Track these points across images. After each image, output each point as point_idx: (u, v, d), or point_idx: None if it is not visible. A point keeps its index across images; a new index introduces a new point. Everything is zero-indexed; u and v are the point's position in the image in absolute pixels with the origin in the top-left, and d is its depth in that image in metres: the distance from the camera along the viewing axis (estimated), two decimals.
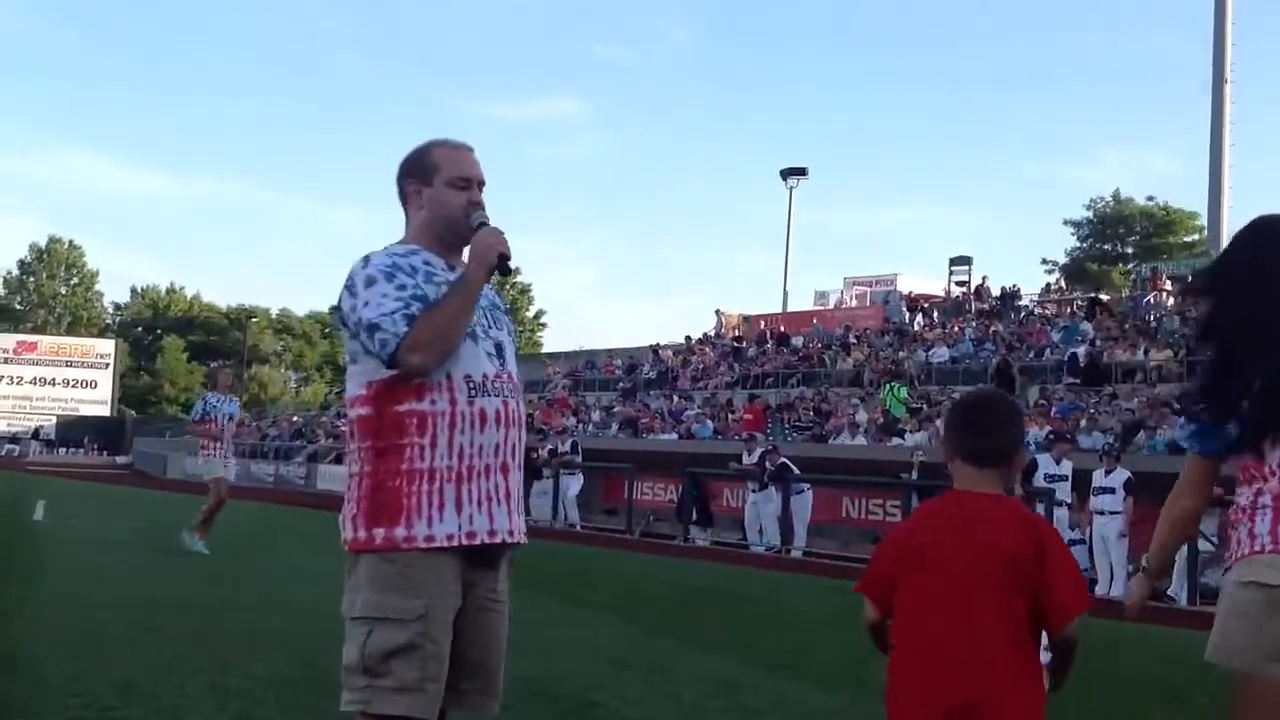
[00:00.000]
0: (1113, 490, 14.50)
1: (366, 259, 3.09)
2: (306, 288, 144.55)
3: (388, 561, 2.96)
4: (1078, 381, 22.98)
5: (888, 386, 25.34)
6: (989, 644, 2.71)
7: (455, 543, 2.99)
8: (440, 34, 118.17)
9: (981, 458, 2.90)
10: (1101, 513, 14.63)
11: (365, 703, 2.94)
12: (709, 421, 26.70)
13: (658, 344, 39.34)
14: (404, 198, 3.25)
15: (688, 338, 39.23)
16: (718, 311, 41.84)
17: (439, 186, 3.18)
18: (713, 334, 39.42)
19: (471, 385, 3.05)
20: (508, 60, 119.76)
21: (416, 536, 2.95)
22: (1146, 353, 23.07)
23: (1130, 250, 61.16)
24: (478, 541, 3.03)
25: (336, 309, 3.10)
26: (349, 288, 3.05)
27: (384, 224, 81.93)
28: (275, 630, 7.84)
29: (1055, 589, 2.74)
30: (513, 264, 3.18)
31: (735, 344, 36.84)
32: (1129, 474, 14.59)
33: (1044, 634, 2.80)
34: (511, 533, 3.11)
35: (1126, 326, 25.30)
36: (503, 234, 3.12)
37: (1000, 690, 2.70)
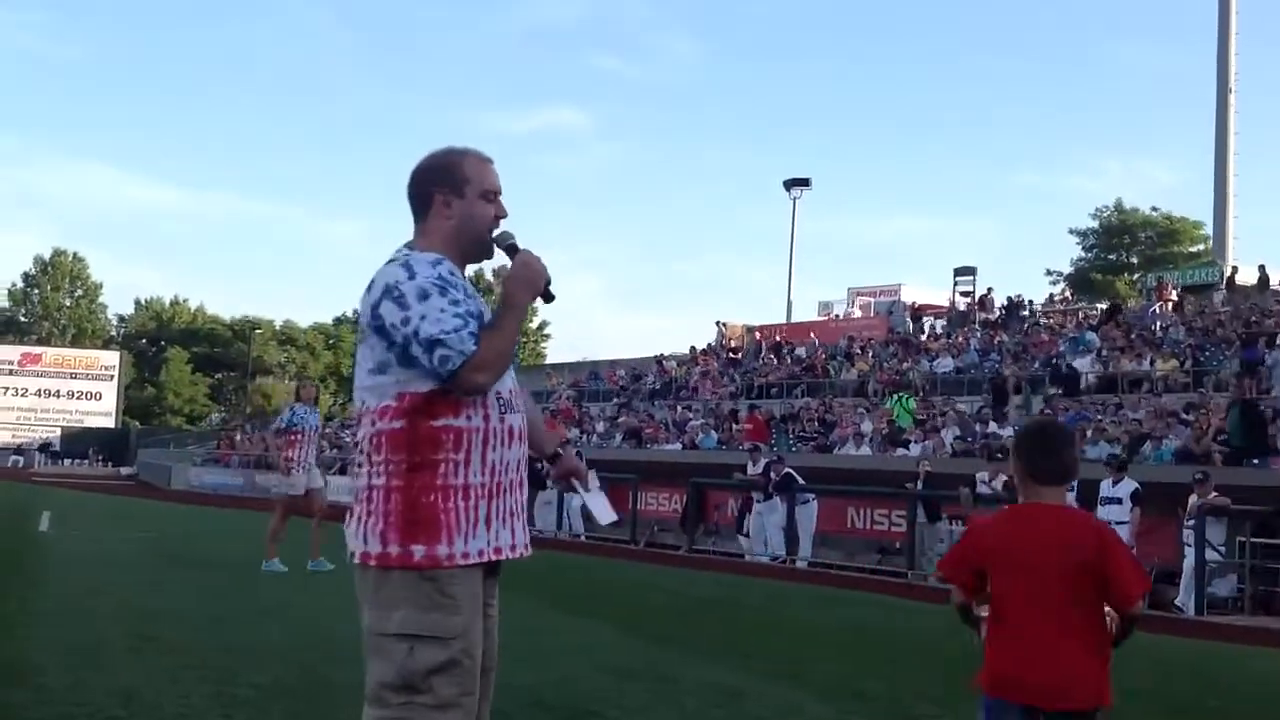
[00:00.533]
0: (1119, 500, 14.43)
1: (410, 269, 3.00)
2: (310, 299, 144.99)
3: (428, 579, 2.94)
4: (1058, 392, 22.92)
5: (895, 397, 25.30)
6: (1069, 629, 3.32)
7: (485, 558, 3.02)
8: (442, 48, 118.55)
9: (1048, 476, 3.50)
10: (1108, 523, 14.55)
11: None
12: (713, 432, 26.67)
13: (662, 355, 39.34)
14: (425, 205, 3.17)
15: (692, 348, 39.22)
16: (718, 323, 41.85)
17: (471, 199, 3.14)
18: (715, 346, 39.40)
19: (501, 402, 3.07)
20: (510, 73, 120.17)
21: (456, 554, 2.95)
22: (1153, 363, 23.03)
23: (1135, 260, 61.15)
24: (503, 556, 3.07)
25: (376, 317, 2.99)
26: (396, 299, 2.95)
27: (386, 235, 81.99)
28: (277, 641, 7.83)
29: (1120, 578, 3.34)
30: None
31: (731, 355, 36.83)
32: (1136, 484, 14.53)
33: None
34: (528, 546, 3.17)
35: (1133, 337, 25.26)
36: (541, 259, 3.13)
37: (1077, 665, 3.31)
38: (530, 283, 3.08)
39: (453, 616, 2.93)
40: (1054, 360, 25.12)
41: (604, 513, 3.64)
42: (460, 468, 2.98)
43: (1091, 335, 26.04)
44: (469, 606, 2.97)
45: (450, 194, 3.14)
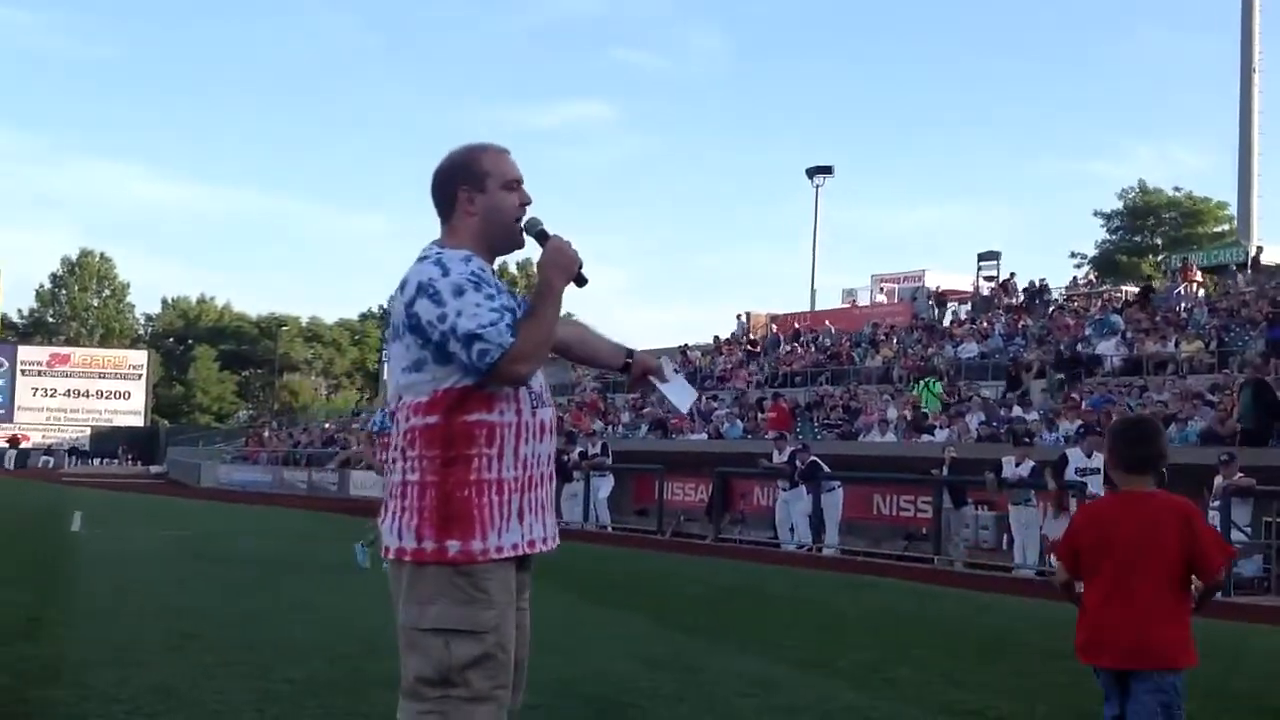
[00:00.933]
0: (1098, 470, 14.39)
1: (443, 266, 3.02)
2: (335, 296, 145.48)
3: (463, 574, 2.97)
4: (1062, 377, 22.87)
5: (922, 382, 25.24)
6: (1159, 599, 3.81)
7: (519, 551, 3.05)
8: (465, 43, 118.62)
9: (1139, 465, 4.02)
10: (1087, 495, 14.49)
11: (441, 714, 2.95)
12: (739, 421, 26.69)
13: (686, 345, 39.36)
14: (450, 203, 3.19)
15: (716, 338, 39.25)
16: (739, 315, 41.83)
17: (493, 191, 3.16)
18: (740, 336, 39.39)
19: (533, 396, 3.10)
20: (533, 67, 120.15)
21: (490, 548, 2.99)
22: (1177, 344, 22.93)
23: (1160, 241, 60.80)
24: (536, 550, 3.11)
25: (411, 315, 3.01)
26: (431, 296, 2.98)
27: (411, 231, 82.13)
28: (312, 636, 7.93)
29: (1205, 553, 3.87)
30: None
31: (749, 347, 36.82)
32: None
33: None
34: (556, 537, 3.21)
35: (1157, 319, 25.15)
36: (572, 244, 3.14)
37: (1166, 631, 3.80)
38: (564, 268, 3.09)
39: (486, 611, 2.97)
40: (1078, 344, 25.06)
41: (685, 398, 3.63)
42: (494, 462, 3.01)
43: (1116, 318, 25.94)
44: (502, 600, 3.01)
45: (472, 190, 3.16)
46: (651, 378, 3.52)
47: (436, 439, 3.01)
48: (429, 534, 2.98)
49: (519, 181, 3.21)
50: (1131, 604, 3.81)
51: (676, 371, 3.63)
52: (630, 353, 3.53)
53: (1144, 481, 4.00)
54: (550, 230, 3.19)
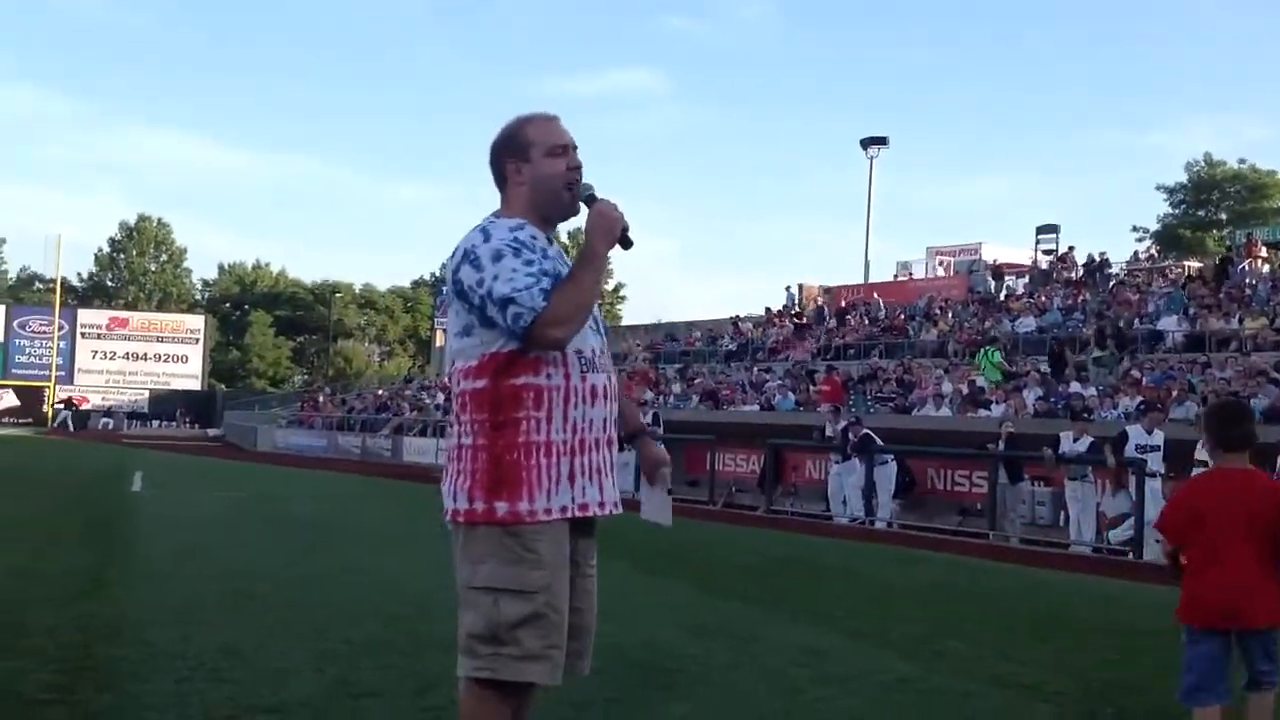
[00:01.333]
0: (1158, 448, 14.24)
1: (486, 233, 3.10)
2: (388, 263, 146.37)
3: (511, 534, 3.02)
4: (1109, 352, 22.58)
5: (982, 351, 24.94)
6: (1249, 569, 4.20)
7: (570, 514, 3.08)
8: (513, 10, 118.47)
9: (1235, 444, 4.39)
10: (1152, 474, 14.32)
11: (493, 670, 3.00)
12: (790, 394, 26.63)
13: (737, 316, 39.28)
14: (502, 176, 3.26)
15: (767, 309, 39.12)
16: (788, 288, 41.63)
17: (538, 160, 3.20)
18: (790, 308, 39.23)
19: (583, 361, 3.12)
20: (582, 35, 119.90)
21: (538, 510, 3.02)
22: (1241, 321, 22.59)
23: (1224, 216, 59.79)
24: (590, 513, 3.12)
25: (456, 281, 3.09)
26: (472, 262, 3.05)
27: (463, 198, 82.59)
28: (368, 598, 8.02)
29: None
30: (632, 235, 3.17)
31: (795, 319, 36.68)
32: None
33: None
34: (617, 504, 3.21)
35: (1221, 295, 24.78)
36: (619, 206, 3.15)
37: (1255, 599, 4.20)
38: (606, 231, 3.11)
39: (535, 571, 3.00)
40: (1138, 319, 24.76)
41: (657, 516, 3.61)
42: (542, 424, 3.05)
43: (1179, 294, 25.60)
44: (553, 561, 3.04)
45: (519, 160, 3.22)
46: (655, 471, 3.51)
47: (485, 403, 3.07)
48: (479, 495, 3.05)
49: (565, 147, 3.22)
50: (1233, 570, 4.19)
51: (669, 492, 3.61)
52: (649, 431, 3.53)
53: (1241, 459, 4.38)
54: (600, 195, 3.20)
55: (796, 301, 40.10)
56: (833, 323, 34.57)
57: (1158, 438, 14.92)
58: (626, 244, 3.15)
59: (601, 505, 3.16)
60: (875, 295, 36.40)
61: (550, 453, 3.05)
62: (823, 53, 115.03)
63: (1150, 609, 9.65)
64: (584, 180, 3.21)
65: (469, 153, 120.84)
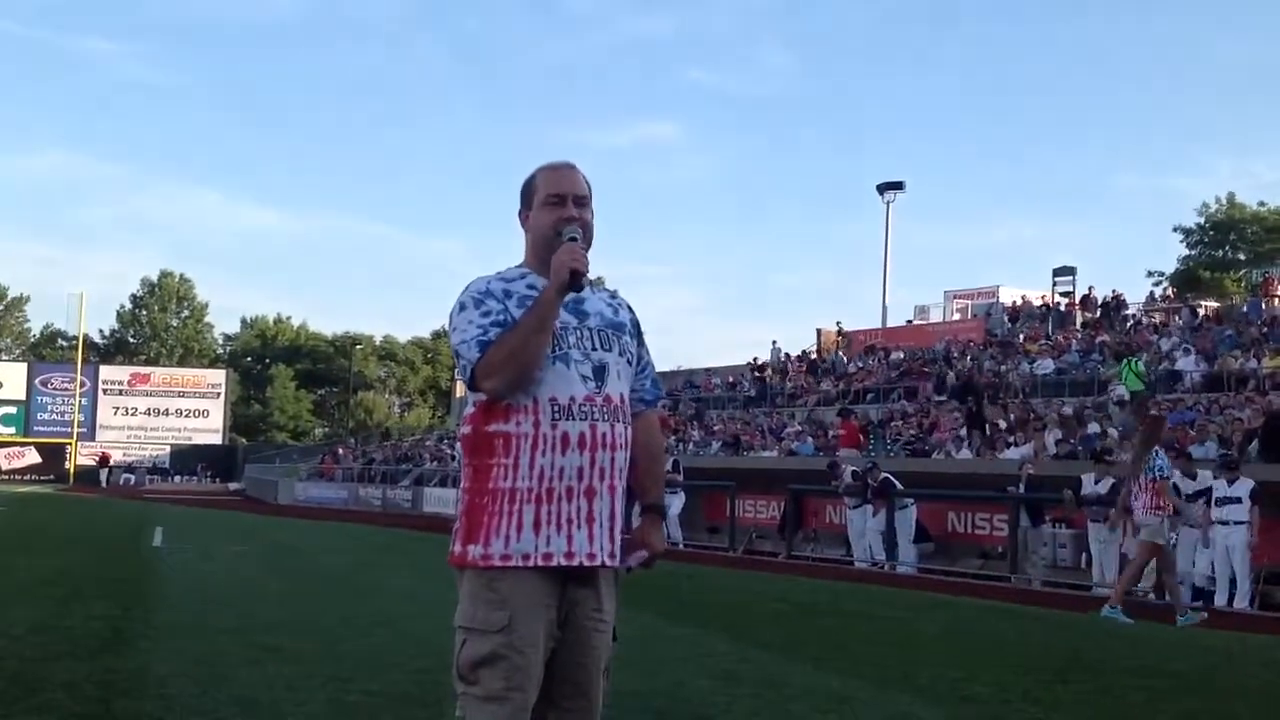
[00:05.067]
0: (1239, 500, 14.06)
1: (467, 287, 3.18)
2: (408, 315, 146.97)
3: (479, 576, 3.06)
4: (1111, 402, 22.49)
5: (1125, 361, 24.48)
6: None
7: (531, 563, 3.03)
8: (534, 66, 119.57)
9: None
10: (1226, 523, 14.17)
11: (462, 709, 3.07)
12: (809, 439, 26.57)
13: (754, 359, 39.27)
14: (521, 224, 3.32)
15: (786, 355, 39.12)
16: (818, 330, 41.67)
17: (537, 208, 3.23)
18: (812, 353, 39.24)
19: (556, 408, 3.06)
20: (603, 88, 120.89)
21: (493, 555, 3.03)
22: (1259, 360, 22.50)
23: (1242, 257, 59.66)
24: (554, 563, 3.05)
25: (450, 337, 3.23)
26: (450, 316, 3.18)
27: (483, 252, 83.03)
28: (389, 649, 8.00)
29: None
30: (591, 278, 3.14)
31: (811, 361, 36.70)
32: (1254, 483, 14.15)
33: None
34: (593, 555, 3.08)
35: (1242, 335, 24.69)
36: (579, 248, 3.10)
37: None
38: (554, 274, 3.06)
39: (496, 611, 3.00)
40: (1162, 361, 24.68)
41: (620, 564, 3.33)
42: (509, 471, 3.05)
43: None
44: (518, 603, 3.00)
45: (526, 209, 3.27)
46: (636, 551, 3.35)
47: (468, 448, 3.15)
48: (459, 538, 3.11)
49: (563, 197, 3.20)
50: None
51: (629, 570, 3.35)
52: (655, 509, 3.40)
53: None
54: (583, 237, 3.17)
55: (820, 346, 40.08)
56: (851, 367, 34.53)
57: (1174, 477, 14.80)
58: (578, 287, 3.10)
59: (569, 555, 3.05)
60: (880, 342, 36.37)
61: (513, 499, 3.04)
62: (839, 101, 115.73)
63: (1175, 650, 9.57)
64: (575, 228, 3.17)
65: (490, 206, 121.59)
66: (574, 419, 3.08)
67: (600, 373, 3.15)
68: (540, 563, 3.04)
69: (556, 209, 3.20)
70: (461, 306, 3.11)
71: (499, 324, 3.06)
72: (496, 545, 3.03)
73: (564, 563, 3.06)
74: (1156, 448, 12.30)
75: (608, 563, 3.14)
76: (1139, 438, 13.15)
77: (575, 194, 3.22)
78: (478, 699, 3.00)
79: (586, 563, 3.09)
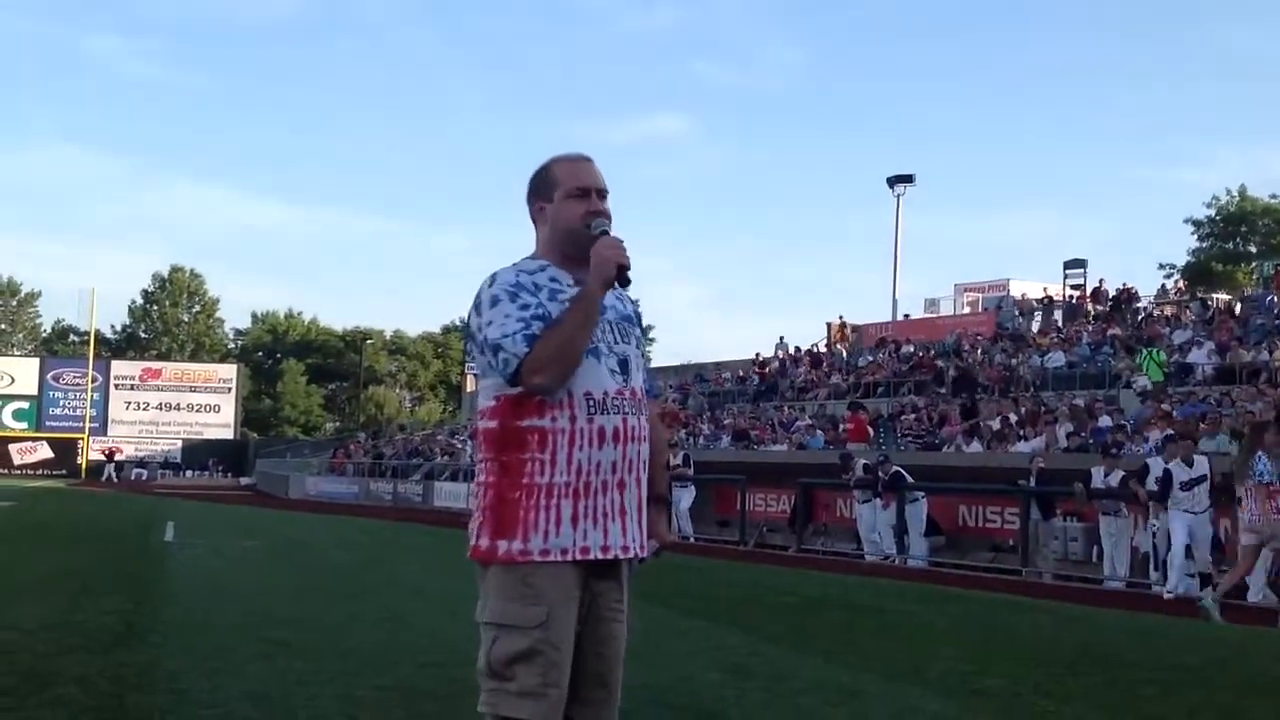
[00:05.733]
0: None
1: (493, 278, 3.12)
2: (418, 310, 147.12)
3: (511, 571, 3.03)
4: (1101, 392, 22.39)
5: (1146, 352, 24.44)
6: None
7: (570, 557, 3.04)
8: (542, 60, 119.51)
9: None
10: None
11: (493, 706, 3.02)
12: (819, 433, 26.54)
13: (758, 354, 39.23)
14: (532, 216, 3.28)
15: (796, 349, 39.08)
16: (829, 324, 41.63)
17: (559, 201, 3.20)
18: (823, 347, 39.20)
19: (591, 403, 3.08)
20: (610, 82, 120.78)
21: (532, 550, 3.02)
22: (1271, 352, 22.42)
23: (1254, 249, 59.40)
24: (591, 557, 3.08)
25: (466, 327, 3.17)
26: (475, 306, 3.10)
27: (492, 246, 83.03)
28: (400, 644, 8.02)
29: None
30: (632, 274, 3.13)
31: (813, 355, 36.66)
32: None
33: None
34: (626, 548, 3.14)
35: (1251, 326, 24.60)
36: (622, 243, 3.11)
37: None
38: (599, 269, 3.06)
39: (532, 607, 2.99)
40: (1174, 354, 24.61)
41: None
42: (545, 467, 3.04)
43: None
44: (553, 599, 3.01)
45: (543, 201, 3.23)
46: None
47: (494, 443, 3.10)
48: (486, 533, 3.08)
49: (586, 189, 3.20)
50: None
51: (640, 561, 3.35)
52: (663, 500, 3.43)
53: None
54: (612, 231, 3.16)
55: (831, 338, 40.04)
56: (861, 360, 34.47)
57: (1182, 471, 14.77)
58: (625, 282, 3.11)
59: (605, 549, 3.09)
60: (887, 336, 36.31)
61: (551, 494, 3.04)
62: (849, 92, 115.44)
63: (1186, 644, 9.55)
64: (598, 220, 3.18)
65: (499, 200, 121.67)
66: (608, 413, 3.11)
67: (624, 366, 3.19)
68: (579, 556, 3.06)
69: (583, 201, 3.19)
70: (495, 300, 3.06)
71: (539, 318, 3.04)
72: (536, 541, 3.02)
73: (600, 556, 3.09)
74: (1260, 452, 12.20)
75: (638, 554, 3.18)
76: (1243, 444, 13.18)
77: (599, 187, 3.22)
78: (513, 695, 2.98)
79: (620, 555, 3.14)
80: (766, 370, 36.90)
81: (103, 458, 61.67)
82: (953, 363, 29.82)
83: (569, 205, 3.19)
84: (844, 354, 36.39)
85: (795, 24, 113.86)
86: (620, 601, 3.21)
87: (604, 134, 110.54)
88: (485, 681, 3.05)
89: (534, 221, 3.28)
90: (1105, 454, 16.55)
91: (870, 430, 25.09)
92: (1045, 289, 38.00)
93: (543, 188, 3.24)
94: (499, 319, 3.03)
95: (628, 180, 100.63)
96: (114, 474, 59.27)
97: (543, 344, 2.99)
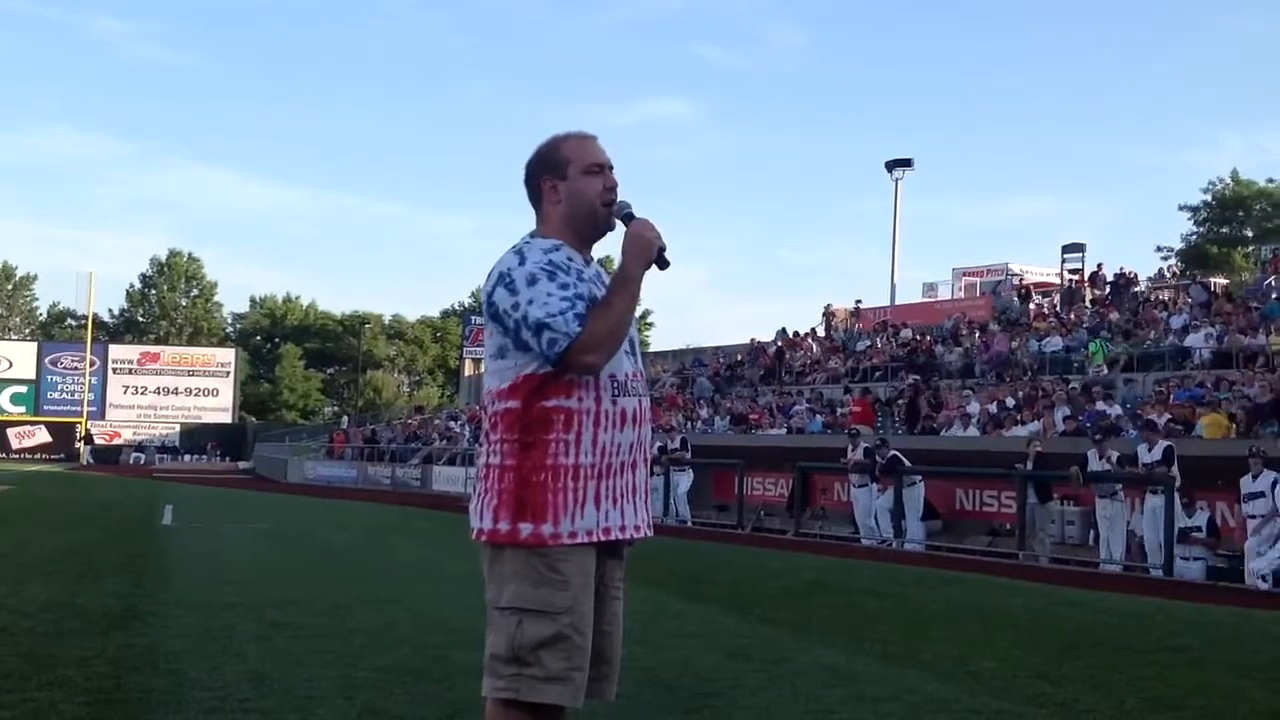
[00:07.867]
0: (1261, 495, 14.00)
1: (522, 256, 3.08)
2: (417, 294, 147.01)
3: (537, 555, 3.01)
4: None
5: (1095, 341, 24.54)
6: None
7: (594, 539, 3.06)
8: (545, 42, 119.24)
9: None
10: (1254, 517, 14.07)
11: (515, 691, 3.00)
12: (818, 417, 26.55)
13: (754, 339, 39.18)
14: (538, 194, 3.23)
15: (795, 332, 39.04)
16: (827, 307, 41.54)
17: (575, 177, 3.17)
18: (821, 331, 39.14)
19: (615, 385, 3.10)
20: (613, 65, 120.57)
21: (563, 533, 3.01)
22: (1267, 336, 22.41)
23: (1250, 233, 59.37)
24: (613, 537, 3.10)
25: (491, 304, 3.07)
26: (507, 285, 3.04)
27: (492, 229, 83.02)
28: (399, 626, 8.04)
29: None
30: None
31: (812, 339, 36.67)
32: (1277, 475, 14.01)
33: None
34: (638, 527, 3.18)
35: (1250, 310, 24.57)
36: (655, 226, 3.11)
37: None
38: (641, 252, 3.07)
39: (560, 592, 2.99)
40: (1168, 337, 24.62)
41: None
42: (571, 447, 3.03)
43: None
44: (578, 584, 3.03)
45: (554, 178, 3.18)
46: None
47: (516, 423, 3.06)
48: (505, 516, 3.04)
49: (602, 165, 3.19)
50: None
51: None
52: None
53: None
54: (639, 213, 3.16)
55: (829, 323, 39.98)
56: (860, 345, 34.45)
57: (1157, 453, 14.84)
58: (663, 265, 3.10)
59: (623, 529, 3.13)
60: (888, 319, 36.29)
61: (577, 476, 3.03)
62: (850, 76, 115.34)
63: (1182, 626, 9.58)
64: (621, 199, 3.18)
65: (499, 183, 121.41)
66: (629, 395, 3.14)
67: (633, 347, 3.22)
68: (601, 538, 3.07)
69: (599, 177, 3.18)
70: (533, 279, 3.01)
71: (581, 297, 3.03)
72: (565, 524, 3.02)
73: (619, 536, 3.12)
74: None
75: (648, 533, 3.21)
76: None
77: (610, 163, 3.22)
78: (538, 680, 2.98)
79: (635, 535, 3.17)
80: (763, 357, 36.85)
81: (79, 441, 61.81)
82: (963, 345, 29.83)
83: (586, 181, 3.18)
84: (840, 332, 36.29)
85: (797, 7, 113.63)
86: (621, 580, 3.26)
87: (606, 117, 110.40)
88: (503, 667, 3.02)
89: (537, 201, 3.24)
90: (1101, 437, 16.57)
91: (875, 414, 25.11)
92: (1023, 280, 37.96)
93: (553, 164, 3.20)
94: (540, 298, 3.00)
95: (630, 163, 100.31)
96: (90, 457, 59.32)
97: (594, 323, 2.99)
